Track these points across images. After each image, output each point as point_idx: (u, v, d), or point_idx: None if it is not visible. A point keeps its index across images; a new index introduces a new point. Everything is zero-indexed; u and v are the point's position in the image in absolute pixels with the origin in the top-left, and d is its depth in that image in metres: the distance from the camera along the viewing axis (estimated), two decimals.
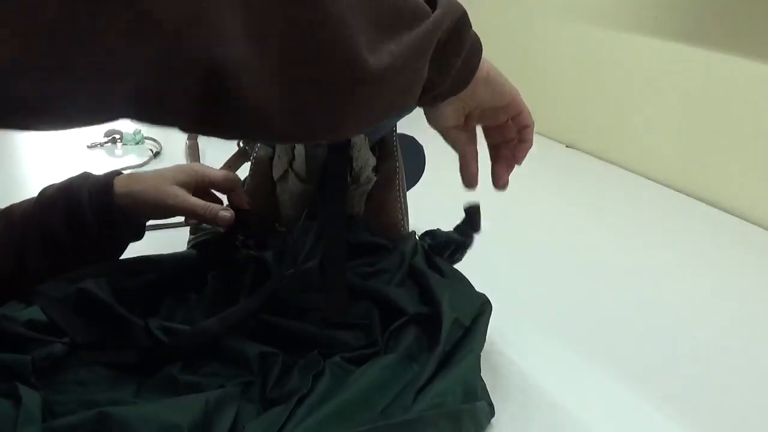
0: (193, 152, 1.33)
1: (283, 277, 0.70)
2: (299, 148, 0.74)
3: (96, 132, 1.39)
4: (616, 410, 0.67)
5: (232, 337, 0.64)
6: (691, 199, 1.26)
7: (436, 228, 0.83)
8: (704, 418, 0.66)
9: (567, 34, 1.56)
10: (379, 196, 0.82)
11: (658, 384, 0.71)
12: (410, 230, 0.84)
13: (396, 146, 0.84)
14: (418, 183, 1.00)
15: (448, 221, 0.84)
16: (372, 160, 0.79)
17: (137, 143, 1.39)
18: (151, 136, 1.40)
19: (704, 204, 1.24)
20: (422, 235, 0.82)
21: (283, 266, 0.71)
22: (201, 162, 1.29)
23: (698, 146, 1.28)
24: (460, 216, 0.78)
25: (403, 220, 0.84)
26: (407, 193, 0.87)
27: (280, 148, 0.76)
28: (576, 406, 0.67)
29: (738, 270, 1.00)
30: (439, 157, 1.08)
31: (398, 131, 0.85)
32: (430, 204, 0.93)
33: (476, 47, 0.58)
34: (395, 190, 0.83)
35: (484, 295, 0.71)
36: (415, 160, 0.99)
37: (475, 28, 0.59)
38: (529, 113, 0.67)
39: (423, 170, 1.02)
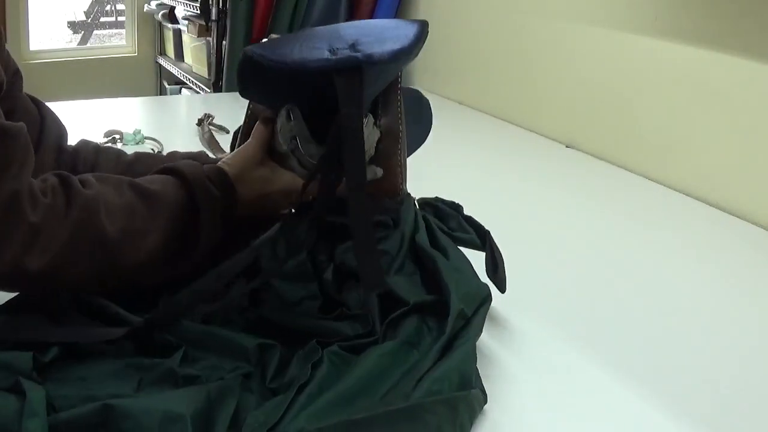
0: (212, 142, 1.34)
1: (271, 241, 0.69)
2: (302, 136, 0.72)
3: (96, 132, 1.38)
4: (605, 400, 0.67)
5: (230, 330, 0.64)
6: (692, 199, 1.26)
7: (434, 196, 0.82)
8: (702, 416, 0.66)
9: (567, 34, 1.56)
10: (380, 162, 0.79)
11: (650, 376, 0.71)
12: (408, 192, 0.82)
13: (400, 107, 0.80)
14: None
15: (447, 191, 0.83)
16: (375, 135, 0.77)
17: (137, 143, 1.38)
18: (151, 136, 1.40)
19: (704, 204, 1.24)
20: (422, 204, 0.81)
21: (277, 255, 0.71)
22: (221, 148, 1.31)
23: (698, 146, 1.28)
24: (458, 190, 0.76)
25: (402, 183, 0.82)
26: (418, 149, 0.81)
27: (281, 136, 0.74)
28: (567, 394, 0.68)
29: (738, 270, 1.00)
30: (438, 129, 1.06)
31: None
32: (428, 176, 0.90)
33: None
34: (396, 155, 0.80)
35: (487, 286, 0.72)
36: (420, 116, 0.94)
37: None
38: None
39: (430, 126, 0.97)
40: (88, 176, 0.66)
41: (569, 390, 0.69)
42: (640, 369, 0.73)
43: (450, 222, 0.79)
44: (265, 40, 0.84)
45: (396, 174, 0.79)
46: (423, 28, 0.70)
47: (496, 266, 0.76)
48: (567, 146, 1.55)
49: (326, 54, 0.63)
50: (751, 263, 1.03)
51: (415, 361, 0.61)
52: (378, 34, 0.67)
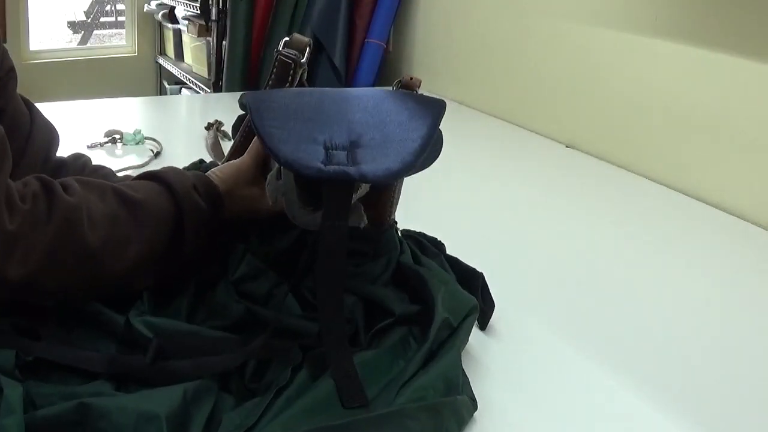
0: (215, 148, 1.34)
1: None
2: (289, 199, 0.69)
3: (96, 132, 1.38)
4: (604, 407, 0.66)
5: (214, 328, 0.65)
6: (691, 199, 1.26)
7: (419, 232, 0.82)
8: (699, 415, 0.66)
9: (567, 34, 1.56)
10: (373, 195, 0.78)
11: (651, 380, 0.71)
12: (395, 220, 0.81)
13: None
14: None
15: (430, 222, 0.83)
16: None
17: (137, 143, 1.38)
18: (151, 136, 1.40)
19: (704, 204, 1.24)
20: (405, 236, 0.81)
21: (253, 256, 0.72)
22: (223, 154, 1.30)
23: (698, 146, 1.27)
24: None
25: (390, 215, 0.81)
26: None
27: (269, 191, 0.73)
28: (562, 401, 0.67)
29: (738, 270, 1.00)
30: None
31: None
32: (427, 176, 0.90)
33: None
34: (391, 188, 0.80)
35: (473, 298, 0.72)
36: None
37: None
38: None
39: (437, 155, 0.97)
40: (72, 181, 0.64)
41: (565, 397, 0.67)
42: (640, 374, 0.72)
43: (432, 260, 0.79)
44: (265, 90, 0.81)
45: (386, 206, 0.78)
46: (436, 123, 0.66)
47: (484, 313, 0.76)
48: (567, 146, 1.55)
49: (321, 157, 0.60)
50: (752, 263, 1.03)
51: (399, 371, 0.61)
52: (384, 131, 0.64)
